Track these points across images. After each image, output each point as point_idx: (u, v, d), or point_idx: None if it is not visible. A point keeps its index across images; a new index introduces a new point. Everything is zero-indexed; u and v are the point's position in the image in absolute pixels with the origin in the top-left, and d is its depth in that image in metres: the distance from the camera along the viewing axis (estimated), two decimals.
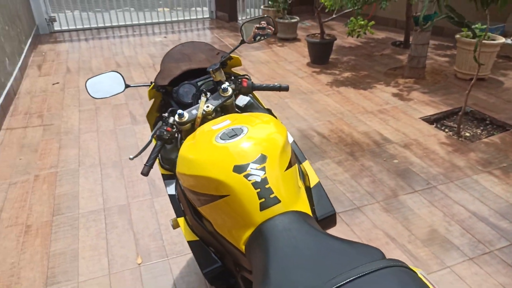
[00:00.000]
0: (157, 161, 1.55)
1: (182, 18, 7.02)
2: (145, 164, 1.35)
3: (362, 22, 3.90)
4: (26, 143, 3.10)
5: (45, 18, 6.20)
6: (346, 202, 2.37)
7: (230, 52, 1.65)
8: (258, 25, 1.65)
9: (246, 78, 1.62)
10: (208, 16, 7.17)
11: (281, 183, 1.12)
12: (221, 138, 1.19)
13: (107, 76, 1.52)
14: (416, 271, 0.79)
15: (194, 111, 1.44)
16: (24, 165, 2.82)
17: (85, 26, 6.50)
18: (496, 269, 1.90)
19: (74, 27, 6.46)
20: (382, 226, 2.18)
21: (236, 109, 1.66)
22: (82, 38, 6.07)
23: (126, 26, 6.68)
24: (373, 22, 3.95)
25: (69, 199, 2.46)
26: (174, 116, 1.42)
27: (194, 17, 7.11)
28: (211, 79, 1.59)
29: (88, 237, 2.17)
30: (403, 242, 2.08)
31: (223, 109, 1.57)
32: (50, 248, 2.09)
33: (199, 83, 1.59)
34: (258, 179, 1.09)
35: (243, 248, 1.08)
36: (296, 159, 1.52)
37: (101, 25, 6.56)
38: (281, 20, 5.55)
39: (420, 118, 3.34)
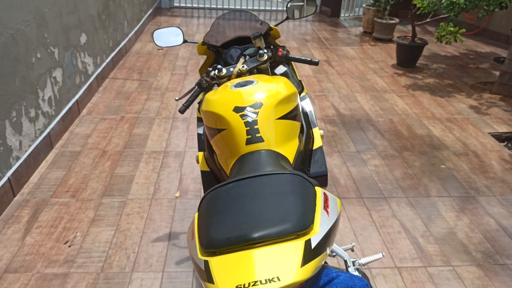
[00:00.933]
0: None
1: (283, 8, 7.34)
2: (183, 104, 1.68)
3: (452, 29, 3.77)
4: (122, 91, 3.71)
5: None
6: (375, 191, 2.46)
7: (276, 25, 1.90)
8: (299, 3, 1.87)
9: (282, 49, 1.85)
10: None
11: (269, 127, 1.34)
12: (234, 86, 1.46)
13: (170, 30, 1.87)
14: (318, 188, 0.95)
15: (231, 69, 1.72)
16: (116, 107, 3.40)
17: (200, 5, 7.18)
18: (503, 280, 1.87)
19: (190, 5, 7.18)
20: (401, 218, 2.25)
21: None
22: (195, 15, 6.74)
23: (222, 8, 7.21)
24: (463, 30, 3.79)
25: (140, 139, 2.94)
26: (215, 70, 1.71)
27: None
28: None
29: (145, 169, 2.60)
30: (415, 235, 2.13)
31: (259, 72, 1.83)
32: (115, 170, 2.57)
33: (244, 49, 1.86)
34: (250, 120, 1.34)
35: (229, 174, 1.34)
36: (307, 123, 1.71)
37: (213, 6, 7.19)
38: (379, 20, 5.54)
39: (490, 133, 3.18)
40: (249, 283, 0.63)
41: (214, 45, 1.87)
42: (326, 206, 0.88)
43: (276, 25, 1.92)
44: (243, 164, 1.24)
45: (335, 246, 1.14)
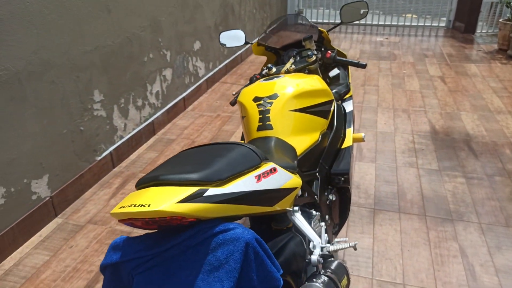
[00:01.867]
0: None
1: (416, 24, 6.99)
2: (234, 98, 1.88)
3: None
4: (226, 94, 4.10)
5: (295, 10, 7.37)
6: (443, 211, 2.27)
7: (328, 30, 1.98)
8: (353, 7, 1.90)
9: (331, 51, 1.91)
10: (444, 25, 6.87)
11: (280, 117, 1.44)
12: (263, 80, 1.60)
13: (235, 32, 2.10)
14: (269, 163, 1.03)
15: (281, 68, 1.86)
16: (216, 106, 3.80)
17: (324, 21, 7.36)
18: None
19: (315, 20, 7.42)
20: (463, 242, 2.03)
21: (326, 79, 1.98)
22: None
23: (358, 24, 7.18)
24: None
25: (227, 135, 3.24)
26: (267, 69, 1.88)
27: (429, 24, 6.95)
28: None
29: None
30: (473, 262, 1.91)
31: (309, 73, 1.92)
32: None
33: (301, 50, 1.98)
34: (264, 109, 1.46)
35: None
36: (343, 122, 1.73)
37: (337, 21, 7.29)
38: None
39: None
40: (127, 206, 0.77)
41: (271, 46, 2.02)
42: (263, 176, 0.96)
43: (328, 30, 1.99)
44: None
45: (311, 228, 1.18)
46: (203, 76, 4.07)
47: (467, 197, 2.38)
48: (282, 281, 0.84)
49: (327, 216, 1.55)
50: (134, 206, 0.76)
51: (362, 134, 1.86)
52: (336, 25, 2.04)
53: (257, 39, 1.99)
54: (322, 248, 1.16)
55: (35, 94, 2.07)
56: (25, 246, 2.08)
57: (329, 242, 1.50)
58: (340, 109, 1.76)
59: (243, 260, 0.79)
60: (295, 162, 1.31)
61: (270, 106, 1.46)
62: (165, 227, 0.81)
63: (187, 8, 3.61)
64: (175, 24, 3.39)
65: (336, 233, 1.72)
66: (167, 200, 0.76)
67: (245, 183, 0.89)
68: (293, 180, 1.07)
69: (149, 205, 0.74)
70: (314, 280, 1.05)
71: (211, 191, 0.81)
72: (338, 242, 1.38)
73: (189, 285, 0.76)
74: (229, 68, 4.74)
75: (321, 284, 1.03)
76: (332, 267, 1.14)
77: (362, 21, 7.21)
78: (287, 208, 1.10)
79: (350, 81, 2.00)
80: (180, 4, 3.46)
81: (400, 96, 3.91)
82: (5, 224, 1.99)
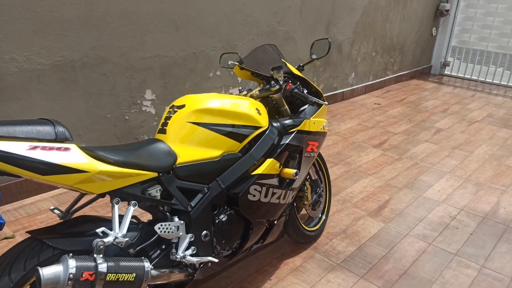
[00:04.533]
0: None
1: None
2: None
3: None
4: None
5: (440, 61, 6.80)
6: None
7: (303, 65, 1.99)
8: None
9: (292, 83, 1.90)
10: None
11: (176, 125, 1.56)
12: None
13: (232, 55, 2.22)
14: (74, 145, 1.19)
15: (248, 92, 1.97)
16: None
17: (479, 78, 6.50)
18: None
19: (462, 75, 6.66)
20: None
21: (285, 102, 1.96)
22: (464, 86, 6.25)
23: (493, 84, 6.15)
24: None
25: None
26: (240, 92, 2.00)
27: None
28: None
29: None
30: None
31: (274, 101, 1.96)
32: None
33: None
34: (169, 116, 1.61)
35: None
36: (261, 150, 1.71)
37: (496, 81, 6.35)
38: None
39: None
40: None
41: (253, 70, 2.07)
42: (41, 148, 1.13)
43: (303, 65, 2.01)
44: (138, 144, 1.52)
45: (117, 218, 1.27)
46: None
47: None
48: None
49: (205, 232, 1.57)
50: None
51: (294, 171, 1.78)
52: (309, 61, 2.02)
53: (236, 63, 2.08)
54: (115, 239, 1.25)
55: (85, 80, 2.64)
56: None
57: (195, 255, 1.52)
58: (268, 139, 1.75)
59: None
60: (159, 164, 1.40)
61: (173, 114, 1.59)
62: None
63: (277, 38, 3.87)
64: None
65: (228, 256, 1.70)
66: None
67: (11, 146, 1.09)
68: (87, 165, 1.20)
69: None
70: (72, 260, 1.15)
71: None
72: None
73: None
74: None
75: (73, 265, 1.13)
76: (112, 263, 1.21)
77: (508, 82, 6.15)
78: (82, 189, 1.21)
79: (313, 118, 1.94)
80: (266, 33, 3.75)
81: (489, 168, 3.29)
82: None
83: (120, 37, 2.73)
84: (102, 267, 1.19)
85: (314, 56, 2.03)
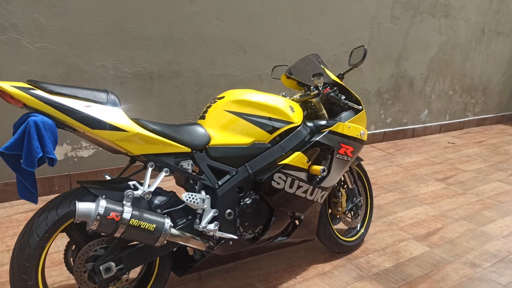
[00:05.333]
0: None
1: None
2: None
3: None
4: (368, 156, 4.13)
5: None
6: None
7: (344, 73, 2.11)
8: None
9: (329, 88, 2.02)
10: None
11: (213, 113, 1.78)
12: None
13: (282, 67, 2.41)
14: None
15: (292, 98, 2.14)
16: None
17: None
18: None
19: None
20: None
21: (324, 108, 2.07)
22: None
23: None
24: None
25: None
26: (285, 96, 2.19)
27: None
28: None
29: None
30: None
31: (313, 106, 2.10)
32: None
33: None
34: (210, 105, 1.83)
35: None
36: (290, 143, 1.83)
37: None
38: None
39: None
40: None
41: (292, 77, 2.22)
42: (93, 107, 1.41)
43: (344, 73, 2.12)
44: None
45: (148, 178, 1.48)
46: None
47: None
48: (37, 158, 1.27)
49: (229, 210, 1.71)
50: None
51: (321, 168, 1.85)
52: (350, 69, 2.11)
53: (280, 66, 2.27)
54: (143, 192, 1.45)
55: (160, 90, 3.02)
56: None
57: (218, 230, 1.66)
58: (299, 134, 1.86)
59: (23, 130, 1.29)
60: (193, 142, 1.61)
61: (213, 104, 1.81)
62: (9, 103, 1.39)
63: (341, 67, 4.00)
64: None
65: (251, 240, 1.80)
66: (10, 84, 1.35)
67: (71, 102, 1.38)
68: (127, 126, 1.44)
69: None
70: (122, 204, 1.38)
71: (39, 92, 1.35)
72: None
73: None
74: (388, 137, 4.69)
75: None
76: (137, 211, 1.41)
77: None
78: (120, 146, 1.45)
79: (349, 123, 2.02)
80: (332, 62, 3.91)
81: None
82: None
83: (193, 55, 3.10)
84: (128, 211, 1.39)
85: (353, 64, 2.12)
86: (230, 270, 2.06)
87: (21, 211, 2.58)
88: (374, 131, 4.53)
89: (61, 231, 1.46)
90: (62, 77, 2.64)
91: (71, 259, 1.57)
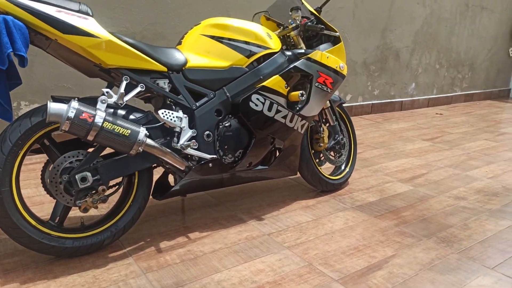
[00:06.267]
0: None
1: None
2: None
3: None
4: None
5: None
6: None
7: (321, 6, 2.12)
8: None
9: (307, 18, 2.04)
10: None
11: (190, 37, 1.79)
12: None
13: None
14: None
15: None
16: None
17: None
18: None
19: None
20: None
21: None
22: None
23: None
24: None
25: None
26: None
27: None
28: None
29: None
30: None
31: (292, 40, 2.10)
32: None
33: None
34: (187, 31, 1.84)
35: None
36: (268, 68, 1.83)
37: None
38: None
39: None
40: None
41: (276, 21, 2.23)
42: (65, 12, 1.41)
43: (321, 6, 2.14)
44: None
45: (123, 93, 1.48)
46: None
47: None
48: (7, 53, 1.27)
49: (207, 132, 1.70)
50: None
51: (299, 92, 1.86)
52: (326, 1, 2.13)
53: (261, 12, 2.27)
54: (117, 100, 1.45)
55: None
56: None
57: (196, 150, 1.65)
58: (277, 59, 1.87)
59: None
60: (170, 61, 1.62)
61: (190, 30, 1.82)
62: None
63: None
64: None
65: (230, 164, 1.79)
66: None
67: (43, 7, 1.38)
68: (100, 33, 1.45)
69: None
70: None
71: None
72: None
73: None
74: (376, 109, 4.71)
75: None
76: (110, 117, 1.41)
77: None
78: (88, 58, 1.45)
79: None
80: None
81: None
82: None
83: (177, 18, 3.11)
84: (100, 114, 1.39)
85: None
86: (213, 206, 2.06)
87: None
88: (362, 103, 4.55)
89: (36, 146, 1.46)
90: None
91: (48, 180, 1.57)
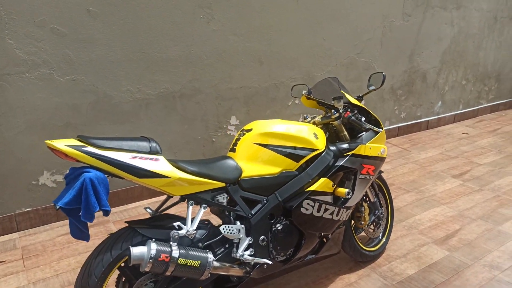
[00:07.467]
0: None
1: None
2: None
3: None
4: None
5: None
6: None
7: (363, 95, 2.21)
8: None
9: (351, 111, 2.13)
10: None
11: (243, 145, 1.91)
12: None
13: (303, 87, 2.53)
14: (162, 156, 1.59)
15: (311, 119, 2.25)
16: None
17: None
18: None
19: None
20: None
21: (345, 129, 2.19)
22: None
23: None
24: None
25: None
26: (305, 118, 2.30)
27: None
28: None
29: None
30: None
31: (333, 128, 2.20)
32: None
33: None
34: (239, 137, 1.96)
35: None
36: (316, 170, 1.95)
37: None
38: None
39: None
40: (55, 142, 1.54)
41: (313, 98, 2.32)
42: (139, 158, 1.55)
43: (363, 95, 2.22)
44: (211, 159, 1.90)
45: (190, 217, 1.62)
46: None
47: None
48: (95, 211, 1.43)
49: (262, 237, 1.86)
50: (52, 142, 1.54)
51: (346, 191, 1.98)
52: (368, 92, 2.21)
53: (304, 92, 2.35)
54: (187, 232, 1.60)
55: (183, 108, 3.16)
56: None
57: (253, 255, 1.81)
58: (324, 160, 1.99)
59: (80, 187, 1.44)
60: (227, 176, 1.75)
61: (242, 136, 1.94)
62: (63, 159, 1.54)
63: (356, 69, 4.07)
64: None
65: (283, 262, 1.95)
66: (63, 143, 1.50)
67: (119, 155, 1.52)
68: (170, 172, 1.59)
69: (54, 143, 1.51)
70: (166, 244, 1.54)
71: (90, 149, 1.50)
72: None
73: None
74: (402, 132, 4.77)
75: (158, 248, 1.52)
76: (183, 250, 1.56)
77: None
78: (167, 191, 1.60)
79: (370, 144, 2.12)
80: (345, 65, 3.98)
81: None
82: None
83: (212, 71, 3.21)
84: (175, 252, 1.54)
85: (371, 88, 2.23)
86: (259, 284, 2.23)
87: (62, 233, 2.77)
88: (388, 127, 4.61)
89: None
90: (91, 104, 2.79)
91: None
